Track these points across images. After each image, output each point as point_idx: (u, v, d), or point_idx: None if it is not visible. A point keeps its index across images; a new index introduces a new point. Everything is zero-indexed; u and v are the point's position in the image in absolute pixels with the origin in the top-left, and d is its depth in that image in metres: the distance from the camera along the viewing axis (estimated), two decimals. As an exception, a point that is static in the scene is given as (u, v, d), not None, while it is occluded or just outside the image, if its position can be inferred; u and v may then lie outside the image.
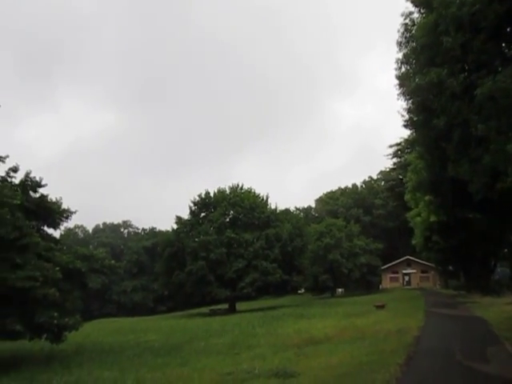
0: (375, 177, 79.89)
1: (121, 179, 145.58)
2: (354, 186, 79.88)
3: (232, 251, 44.28)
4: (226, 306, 46.80)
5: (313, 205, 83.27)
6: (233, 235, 44.41)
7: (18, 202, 15.63)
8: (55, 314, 15.24)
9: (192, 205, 49.21)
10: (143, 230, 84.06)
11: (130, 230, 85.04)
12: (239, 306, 46.47)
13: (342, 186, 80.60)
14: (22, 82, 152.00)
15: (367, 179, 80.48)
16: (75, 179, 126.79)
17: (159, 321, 39.66)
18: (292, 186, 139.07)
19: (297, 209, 78.74)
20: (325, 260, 53.56)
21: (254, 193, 50.05)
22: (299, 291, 61.77)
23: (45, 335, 15.64)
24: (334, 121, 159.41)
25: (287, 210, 59.24)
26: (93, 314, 55.43)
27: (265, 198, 49.96)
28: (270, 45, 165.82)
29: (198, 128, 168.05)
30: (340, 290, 60.00)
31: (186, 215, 49.31)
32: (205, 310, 47.14)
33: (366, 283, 58.97)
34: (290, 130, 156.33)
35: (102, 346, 19.79)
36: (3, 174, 17.49)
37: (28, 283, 14.56)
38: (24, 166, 18.37)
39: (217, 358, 14.27)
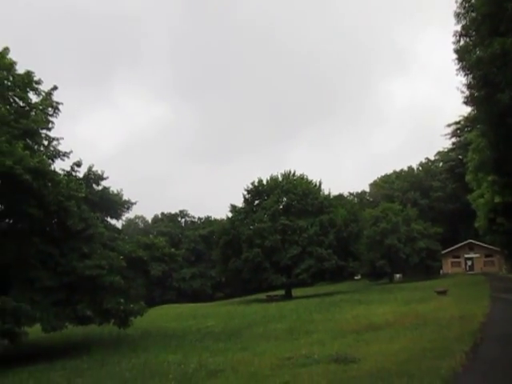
0: (432, 158, 76.92)
1: (176, 169, 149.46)
2: (410, 168, 77.32)
3: (286, 238, 44.40)
4: (282, 292, 47.13)
5: (367, 189, 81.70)
6: (287, 222, 44.49)
7: (83, 195, 16.52)
8: (121, 301, 16.07)
9: (245, 193, 49.74)
10: (199, 218, 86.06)
11: (187, 219, 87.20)
12: (295, 292, 46.66)
13: (398, 169, 78.34)
14: (80, 79, 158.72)
15: (424, 161, 77.64)
16: (134, 171, 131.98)
17: (218, 307, 40.66)
18: (345, 171, 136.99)
19: (350, 194, 77.56)
20: (381, 245, 52.49)
21: (307, 179, 49.79)
22: (356, 277, 61.03)
23: (112, 320, 16.52)
24: (388, 101, 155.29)
25: (341, 196, 58.49)
26: (155, 301, 57.58)
27: (318, 184, 49.59)
28: (323, 27, 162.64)
29: (250, 115, 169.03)
30: (398, 275, 58.56)
31: (240, 203, 49.99)
32: (261, 296, 47.70)
33: (425, 268, 57.11)
34: (344, 113, 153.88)
35: (166, 331, 20.61)
36: (68, 169, 18.52)
37: (95, 271, 15.44)
38: (86, 161, 19.40)
39: (276, 343, 14.43)
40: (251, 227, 45.58)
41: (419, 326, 14.29)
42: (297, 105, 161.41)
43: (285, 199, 47.56)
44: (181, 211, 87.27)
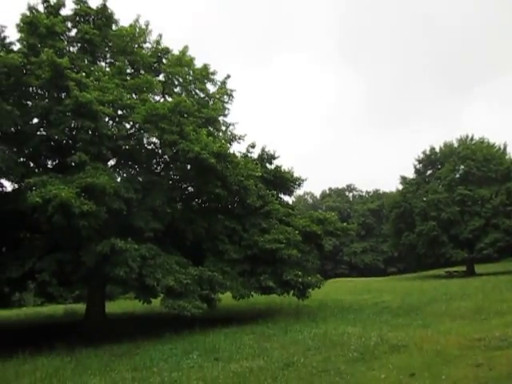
0: None
1: (341, 143, 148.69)
2: None
3: (466, 209, 40.57)
4: (462, 268, 43.51)
5: None
6: (465, 192, 40.56)
7: (259, 174, 17.67)
8: (299, 273, 16.89)
9: (416, 163, 46.89)
10: (367, 192, 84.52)
11: (355, 193, 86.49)
12: (478, 268, 42.56)
13: None
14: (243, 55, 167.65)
15: None
16: (299, 148, 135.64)
17: (392, 282, 39.65)
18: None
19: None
20: None
21: (488, 142, 44.37)
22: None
23: (292, 291, 17.47)
24: None
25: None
26: (327, 274, 58.97)
27: (502, 148, 43.84)
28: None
29: (415, 78, 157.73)
30: None
31: (410, 174, 47.45)
32: (439, 272, 44.81)
33: None
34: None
35: (342, 303, 20.96)
36: (244, 151, 20.01)
37: (274, 245, 16.50)
38: (259, 142, 20.73)
39: (461, 322, 13.47)
40: (424, 199, 42.88)
41: None
42: (469, 59, 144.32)
43: (462, 167, 43.30)
44: (348, 185, 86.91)
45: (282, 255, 16.56)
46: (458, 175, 43.47)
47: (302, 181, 20.76)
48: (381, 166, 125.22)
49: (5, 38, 16.16)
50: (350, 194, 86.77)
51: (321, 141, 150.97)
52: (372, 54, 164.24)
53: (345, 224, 20.23)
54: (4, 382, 9.26)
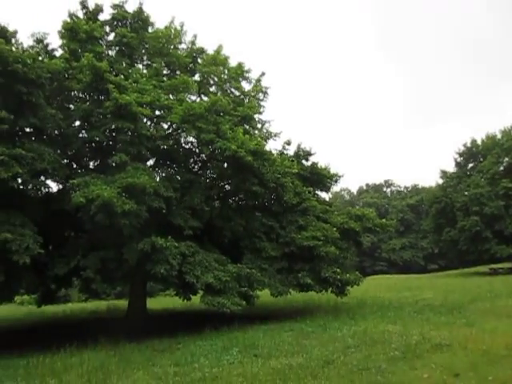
0: None
1: (378, 138, 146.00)
2: None
3: (511, 203, 39.08)
4: (508, 264, 41.90)
5: None
6: (510, 185, 39.06)
7: (296, 171, 17.63)
8: (337, 270, 16.75)
9: (457, 156, 45.61)
10: (405, 187, 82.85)
11: (392, 188, 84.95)
12: (525, 265, 40.91)
13: None
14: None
15: None
16: (336, 143, 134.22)
17: (433, 279, 38.69)
18: None
19: None
20: None
21: (535, 133, 42.60)
22: None
23: (330, 288, 17.35)
24: None
25: None
26: (365, 271, 58.18)
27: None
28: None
29: (453, 68, 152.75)
30: None
31: (450, 168, 46.22)
32: (483, 268, 43.36)
33: None
34: None
35: (381, 301, 20.64)
36: (280, 148, 20.01)
37: (312, 242, 16.43)
38: (294, 139, 20.66)
39: (508, 321, 12.97)
40: (466, 193, 41.65)
41: None
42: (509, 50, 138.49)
43: (506, 159, 41.74)
44: (385, 181, 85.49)
45: (320, 252, 16.46)
46: (502, 168, 41.89)
47: (339, 177, 20.58)
48: (419, 161, 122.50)
49: (48, 44, 16.83)
50: (388, 190, 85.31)
51: (356, 136, 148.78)
52: (412, 46, 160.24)
53: (383, 220, 19.87)
54: (53, 373, 9.65)
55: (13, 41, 14.33)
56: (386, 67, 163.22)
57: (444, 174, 46.21)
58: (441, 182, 46.82)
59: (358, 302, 20.27)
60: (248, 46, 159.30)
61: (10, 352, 12.47)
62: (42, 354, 11.68)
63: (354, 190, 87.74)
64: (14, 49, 13.62)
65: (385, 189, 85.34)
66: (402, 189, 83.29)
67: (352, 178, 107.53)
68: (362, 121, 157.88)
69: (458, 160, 45.83)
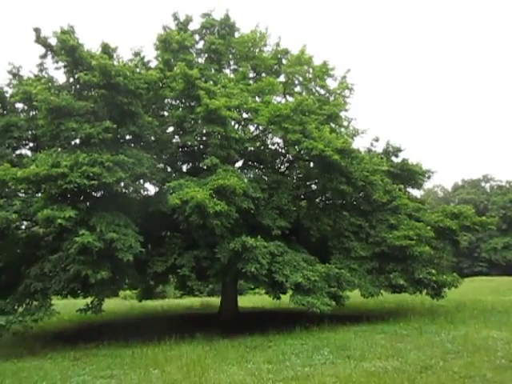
0: None
1: (472, 132, 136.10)
2: None
3: None
4: None
5: None
6: None
7: (385, 168, 17.10)
8: (433, 271, 15.95)
9: None
10: (507, 182, 76.22)
11: (492, 183, 78.62)
12: None
13: None
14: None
15: None
16: (429, 140, 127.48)
17: (542, 282, 35.28)
18: None
19: None
20: None
21: None
22: None
23: (424, 290, 16.56)
24: None
25: None
26: (463, 272, 54.63)
27: None
28: None
29: None
30: None
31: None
32: None
33: None
34: None
35: (483, 304, 19.31)
36: (368, 145, 19.54)
37: (404, 241, 15.83)
38: (384, 136, 20.00)
39: None
40: None
41: None
42: None
43: None
44: (484, 176, 79.39)
45: (413, 252, 15.79)
46: None
47: (432, 173, 19.64)
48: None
49: (144, 56, 18.02)
50: (487, 185, 79.09)
51: (447, 131, 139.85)
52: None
53: (483, 218, 18.51)
54: (156, 364, 10.32)
55: (114, 55, 15.51)
56: (478, 59, 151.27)
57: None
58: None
59: (456, 305, 19.16)
60: (332, 44, 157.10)
61: (116, 342, 13.58)
62: (144, 345, 12.59)
63: (449, 187, 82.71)
64: (115, 63, 14.77)
65: (483, 184, 79.30)
66: (504, 183, 76.77)
67: (445, 173, 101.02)
68: (454, 114, 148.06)
69: None
